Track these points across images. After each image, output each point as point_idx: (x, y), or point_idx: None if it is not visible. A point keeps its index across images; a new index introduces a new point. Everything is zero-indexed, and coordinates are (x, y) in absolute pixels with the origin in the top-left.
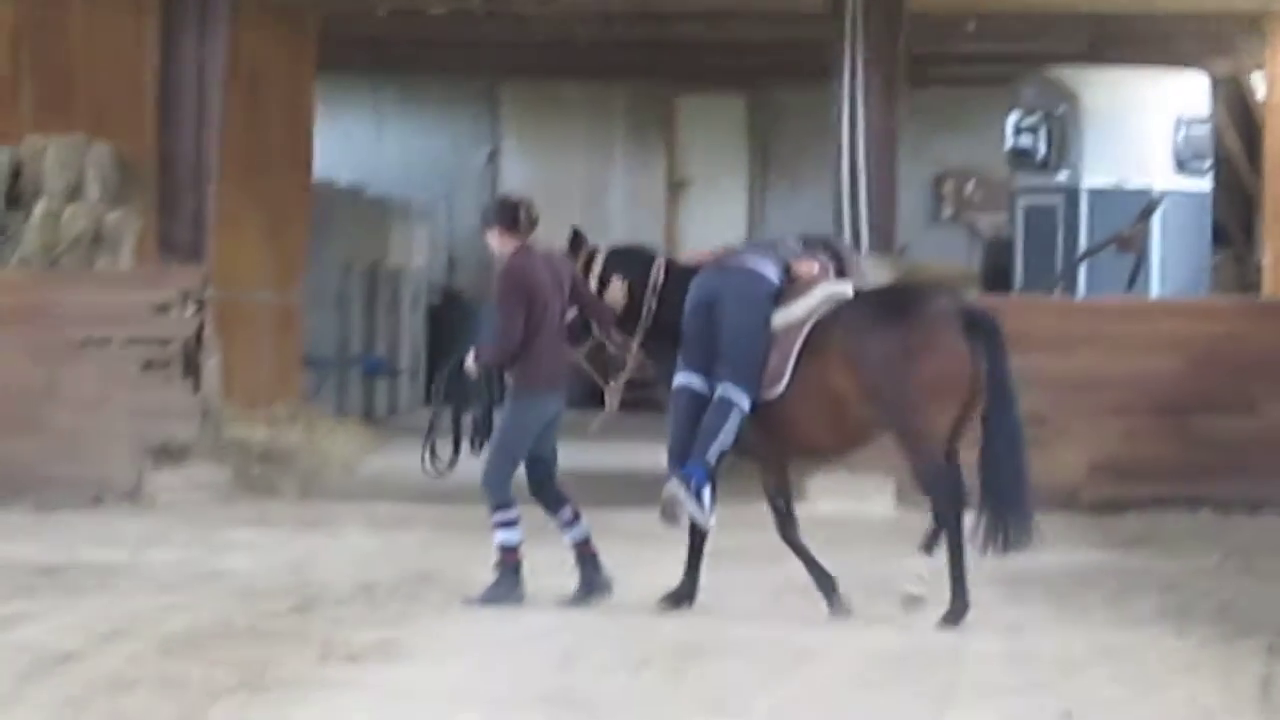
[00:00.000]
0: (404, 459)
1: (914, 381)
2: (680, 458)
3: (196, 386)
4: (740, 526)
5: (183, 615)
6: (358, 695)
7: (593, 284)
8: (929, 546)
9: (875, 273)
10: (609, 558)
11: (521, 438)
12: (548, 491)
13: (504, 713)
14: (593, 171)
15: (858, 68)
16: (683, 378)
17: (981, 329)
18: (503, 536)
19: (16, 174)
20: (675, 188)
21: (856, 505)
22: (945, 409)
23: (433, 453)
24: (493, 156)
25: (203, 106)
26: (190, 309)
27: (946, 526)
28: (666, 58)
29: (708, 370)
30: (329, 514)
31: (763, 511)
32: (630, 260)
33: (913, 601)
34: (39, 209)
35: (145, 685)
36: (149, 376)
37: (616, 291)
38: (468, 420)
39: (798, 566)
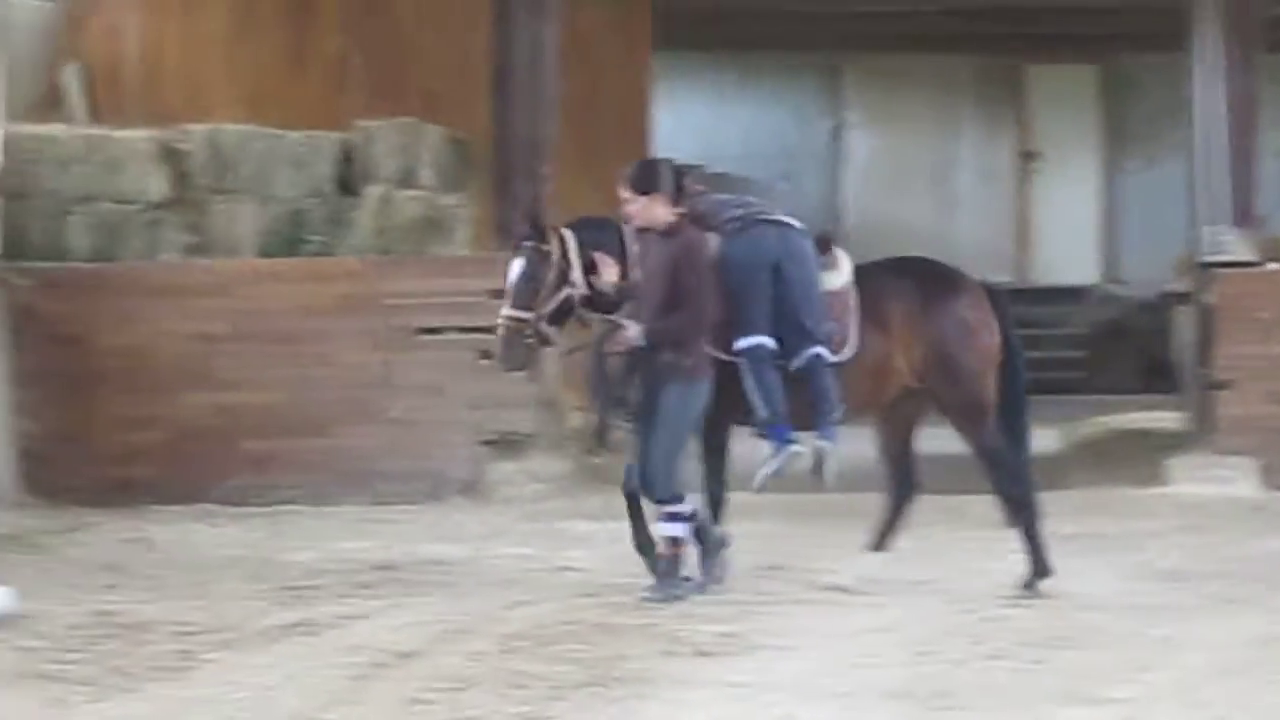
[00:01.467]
0: (751, 448)
1: (975, 354)
2: (782, 419)
3: (535, 376)
4: (1091, 512)
5: (525, 611)
6: (704, 691)
7: (574, 269)
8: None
9: (1237, 247)
10: (960, 546)
11: (691, 427)
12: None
13: (853, 708)
14: (939, 147)
15: (1214, 34)
16: (754, 339)
17: (998, 300)
18: (673, 528)
19: (347, 160)
20: (1025, 162)
21: (1220, 488)
22: (992, 382)
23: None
24: (836, 132)
25: (537, 87)
26: None
27: (1018, 499)
28: (1014, 27)
29: (771, 332)
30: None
31: (1118, 496)
32: (604, 235)
33: None
34: (371, 195)
35: (487, 684)
36: (486, 366)
37: (612, 271)
38: (620, 399)
39: (1155, 552)
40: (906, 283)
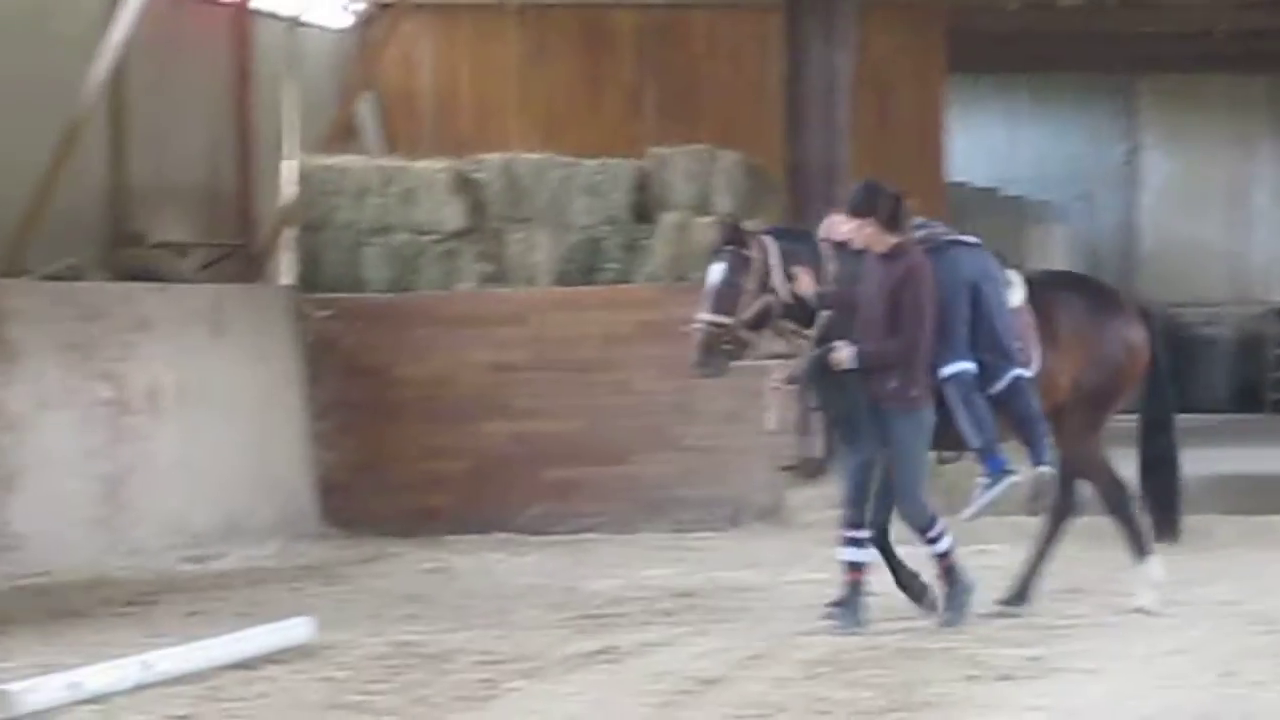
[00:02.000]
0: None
1: (1125, 377)
2: (997, 447)
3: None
4: None
5: (826, 637)
6: (1007, 715)
7: (775, 276)
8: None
9: None
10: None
11: (925, 453)
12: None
13: None
14: (1234, 167)
15: None
16: (958, 364)
17: (1153, 320)
18: (940, 547)
19: (643, 187)
20: None
21: None
22: (1121, 402)
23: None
24: (1131, 154)
25: (831, 112)
26: None
27: (1123, 511)
28: None
29: (969, 355)
30: (972, 529)
31: None
32: (801, 246)
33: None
34: (667, 221)
35: (791, 711)
36: (784, 392)
37: (809, 281)
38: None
39: None
40: (1074, 299)
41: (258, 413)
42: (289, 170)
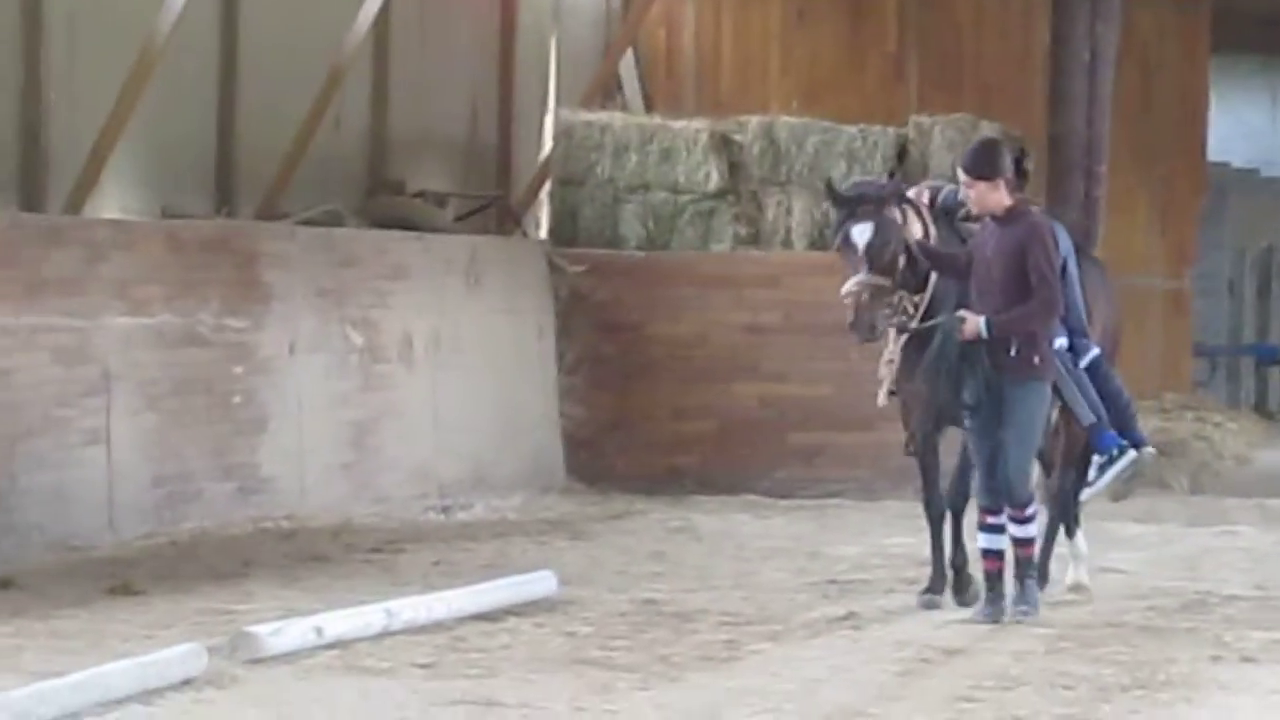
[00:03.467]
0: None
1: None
2: (1107, 423)
3: None
4: None
5: (1068, 612)
6: (1250, 697)
7: (915, 233)
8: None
9: None
10: None
11: (1043, 425)
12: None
13: None
14: None
15: None
16: (1058, 339)
17: None
18: (1028, 530)
19: (902, 154)
20: None
21: None
22: None
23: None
24: None
25: (1094, 87)
26: None
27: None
28: None
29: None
30: (1220, 509)
31: None
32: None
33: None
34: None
35: (1032, 684)
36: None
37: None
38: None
39: None
40: (1093, 270)
41: (508, 365)
42: (549, 124)
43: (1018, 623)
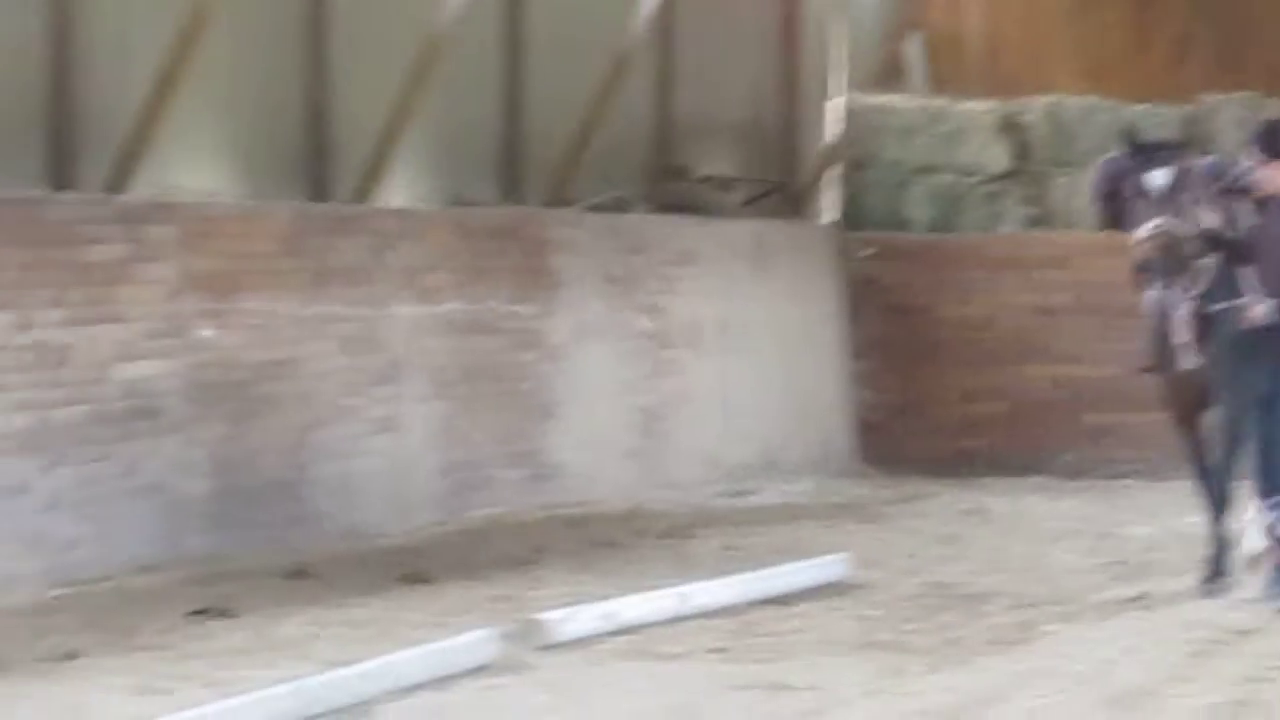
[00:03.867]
0: None
1: None
2: None
3: None
4: None
5: None
6: None
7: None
8: None
9: None
10: None
11: None
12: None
13: None
14: None
15: None
16: None
17: None
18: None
19: (1189, 133)
20: None
21: None
22: None
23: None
24: None
25: None
26: None
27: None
28: None
29: None
30: None
31: None
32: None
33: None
34: None
35: None
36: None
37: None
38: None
39: None
40: None
41: (797, 350)
42: (835, 108)
43: (1268, 605)
